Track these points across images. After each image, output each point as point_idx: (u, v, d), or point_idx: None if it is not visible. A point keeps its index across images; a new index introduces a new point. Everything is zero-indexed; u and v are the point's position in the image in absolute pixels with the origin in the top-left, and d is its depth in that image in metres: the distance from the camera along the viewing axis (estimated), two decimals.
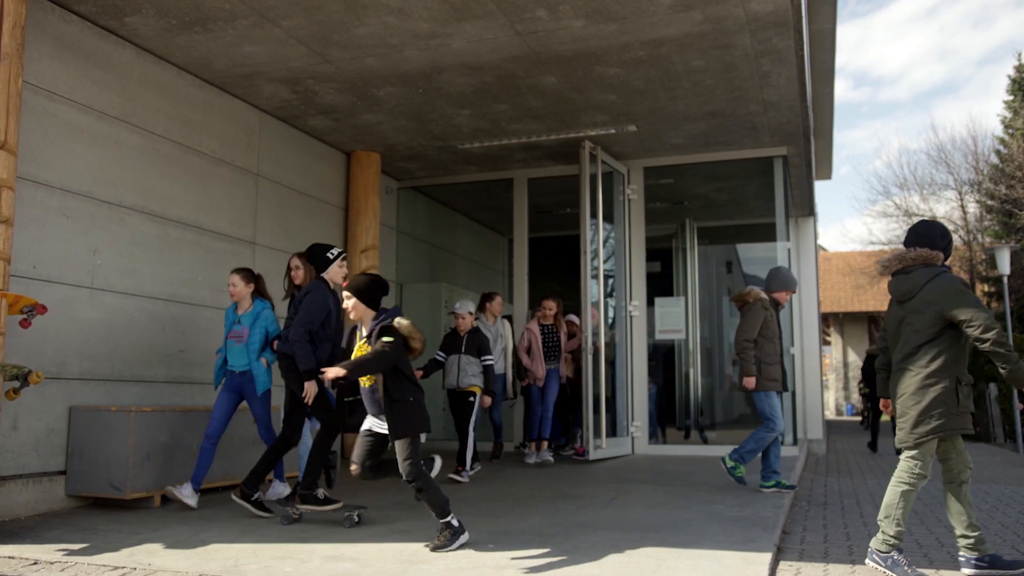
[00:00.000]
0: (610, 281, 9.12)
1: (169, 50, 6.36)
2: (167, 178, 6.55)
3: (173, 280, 6.55)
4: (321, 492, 5.02)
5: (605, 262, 8.87)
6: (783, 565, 4.09)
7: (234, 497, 5.10)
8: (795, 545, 4.58)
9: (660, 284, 10.38)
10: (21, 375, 4.48)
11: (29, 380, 4.49)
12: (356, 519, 4.76)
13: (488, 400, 7.03)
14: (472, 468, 6.90)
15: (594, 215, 8.42)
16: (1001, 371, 3.84)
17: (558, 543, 4.16)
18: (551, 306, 8.23)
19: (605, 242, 8.91)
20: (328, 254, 5.36)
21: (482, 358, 7.01)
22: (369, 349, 4.13)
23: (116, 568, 3.74)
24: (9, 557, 3.98)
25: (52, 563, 3.85)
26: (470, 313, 7.16)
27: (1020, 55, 28.94)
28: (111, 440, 5.37)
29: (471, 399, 6.94)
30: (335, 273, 5.35)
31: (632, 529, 4.56)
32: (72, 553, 4.00)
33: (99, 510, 5.31)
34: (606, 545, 4.12)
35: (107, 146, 6.01)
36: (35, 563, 3.87)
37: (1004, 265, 14.88)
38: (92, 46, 5.90)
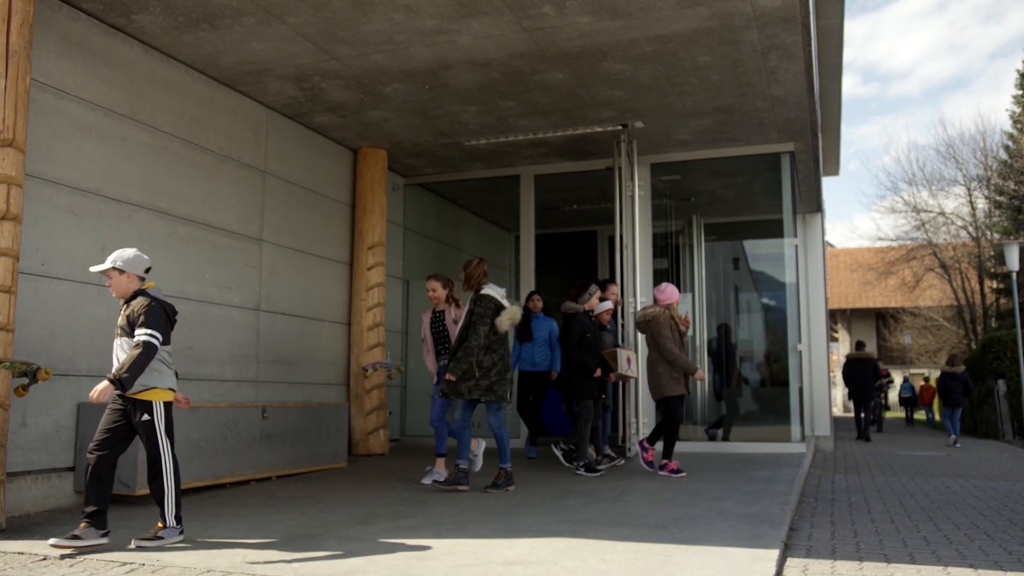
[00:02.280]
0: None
1: (176, 47, 6.37)
2: (175, 175, 6.57)
3: (181, 277, 6.57)
4: None
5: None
6: (790, 562, 4.08)
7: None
8: (802, 542, 4.57)
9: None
10: (30, 372, 4.51)
11: (38, 377, 4.52)
12: None
13: (105, 389, 4.01)
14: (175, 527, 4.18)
15: (631, 208, 8.55)
16: None
17: (565, 540, 4.17)
18: (434, 287, 6.59)
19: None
20: None
21: (136, 333, 4.15)
22: None
23: (124, 564, 3.76)
24: (19, 553, 4.00)
25: (61, 559, 3.87)
26: (117, 269, 4.26)
27: None
28: None
29: (144, 417, 4.21)
30: None
31: (639, 525, 4.56)
32: (81, 549, 4.02)
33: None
34: (613, 541, 4.12)
35: (115, 143, 6.02)
36: (44, 559, 3.89)
37: (1013, 261, 14.82)
38: (100, 44, 5.91)
